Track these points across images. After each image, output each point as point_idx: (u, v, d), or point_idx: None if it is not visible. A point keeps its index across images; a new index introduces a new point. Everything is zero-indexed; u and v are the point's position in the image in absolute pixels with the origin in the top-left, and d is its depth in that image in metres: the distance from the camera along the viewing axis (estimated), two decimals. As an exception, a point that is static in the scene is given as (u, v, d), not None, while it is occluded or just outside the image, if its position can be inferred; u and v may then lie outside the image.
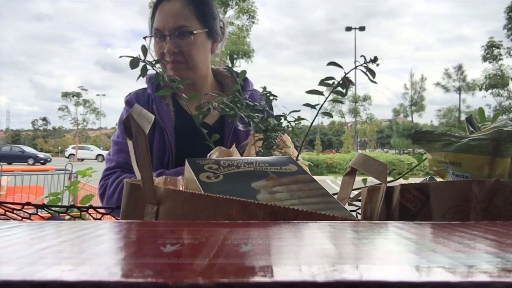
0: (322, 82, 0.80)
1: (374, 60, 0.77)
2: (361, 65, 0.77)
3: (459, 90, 28.15)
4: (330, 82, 0.79)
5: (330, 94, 0.81)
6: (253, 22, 17.76)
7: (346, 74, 0.79)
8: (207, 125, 1.10)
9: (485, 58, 20.93)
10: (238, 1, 17.34)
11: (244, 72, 0.97)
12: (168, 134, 1.10)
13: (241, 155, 1.02)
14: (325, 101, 0.81)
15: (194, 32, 1.07)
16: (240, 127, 1.07)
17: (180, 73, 1.08)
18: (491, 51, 20.76)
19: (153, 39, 1.11)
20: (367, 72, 0.77)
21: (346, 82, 0.78)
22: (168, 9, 1.08)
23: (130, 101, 1.17)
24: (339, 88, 0.80)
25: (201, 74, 1.14)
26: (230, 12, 17.71)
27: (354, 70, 0.79)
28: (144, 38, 1.10)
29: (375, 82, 0.82)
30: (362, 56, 0.78)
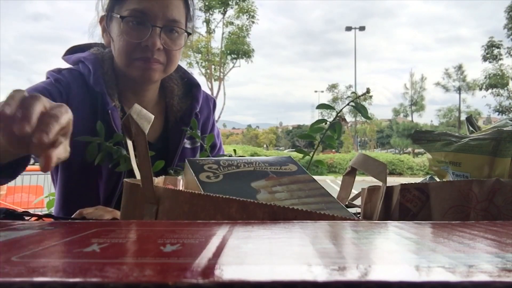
0: (312, 127, 0.80)
1: (367, 92, 0.78)
2: (352, 101, 0.79)
3: (459, 90, 28.14)
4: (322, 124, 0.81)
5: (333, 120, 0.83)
6: (253, 22, 17.78)
7: (338, 113, 0.80)
8: (148, 143, 0.91)
9: (485, 58, 20.92)
10: (238, 1, 17.35)
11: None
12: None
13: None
14: (325, 131, 0.82)
15: (189, 33, 0.86)
16: (187, 144, 0.95)
17: (153, 75, 0.84)
18: (491, 51, 20.75)
19: (115, 19, 0.83)
20: (360, 109, 0.78)
21: (341, 121, 0.80)
22: None
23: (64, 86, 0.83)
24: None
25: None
26: (230, 12, 17.74)
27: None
28: (121, 18, 0.80)
29: (369, 118, 0.85)
30: (353, 92, 0.80)
